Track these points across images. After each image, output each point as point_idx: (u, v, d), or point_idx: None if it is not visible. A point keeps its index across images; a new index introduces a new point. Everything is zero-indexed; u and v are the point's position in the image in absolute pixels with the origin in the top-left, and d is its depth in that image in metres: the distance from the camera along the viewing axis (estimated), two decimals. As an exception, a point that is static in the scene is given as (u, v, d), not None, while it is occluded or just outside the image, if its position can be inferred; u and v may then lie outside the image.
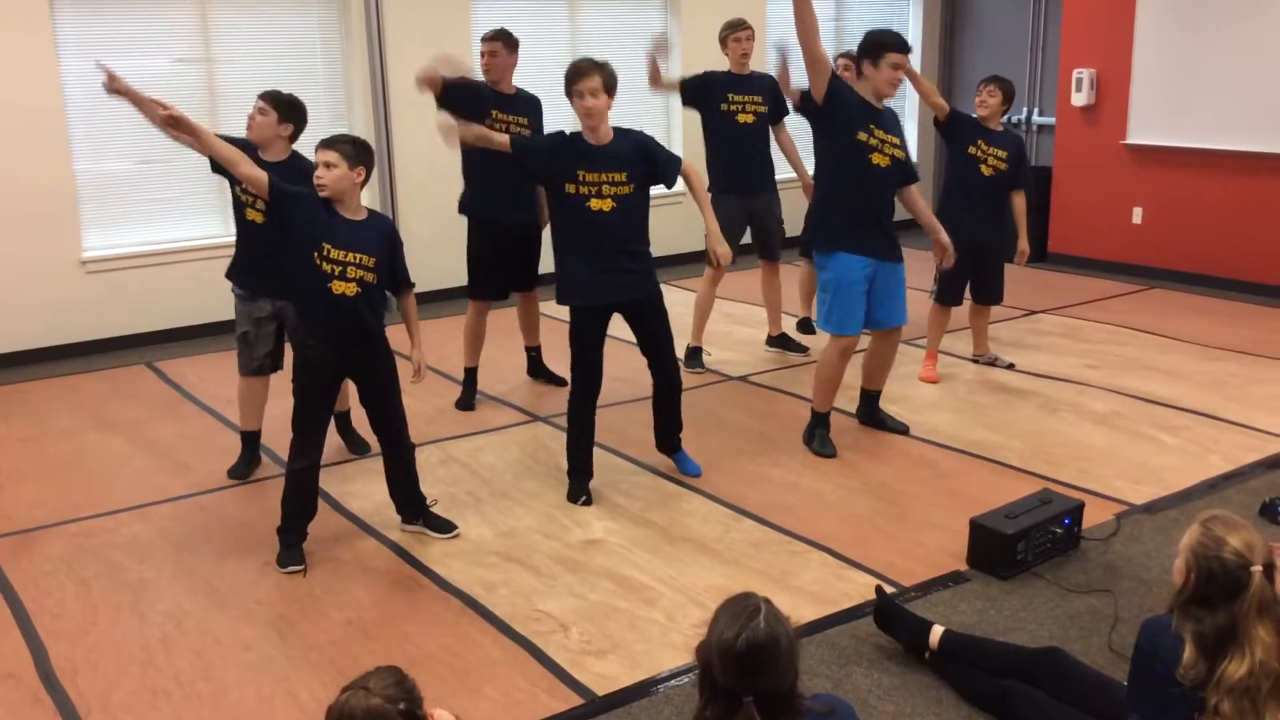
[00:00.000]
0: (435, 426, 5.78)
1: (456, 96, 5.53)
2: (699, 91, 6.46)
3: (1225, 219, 8.43)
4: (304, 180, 4.26)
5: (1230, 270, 8.43)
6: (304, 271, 4.14)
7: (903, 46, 5.05)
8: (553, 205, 4.78)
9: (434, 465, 5.21)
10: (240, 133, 4.85)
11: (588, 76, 4.54)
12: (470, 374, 6.19)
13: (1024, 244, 6.49)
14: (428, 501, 4.63)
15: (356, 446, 5.45)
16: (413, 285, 4.44)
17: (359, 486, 5.03)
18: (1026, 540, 4.12)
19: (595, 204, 4.60)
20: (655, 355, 4.92)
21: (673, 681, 3.51)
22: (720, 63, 6.51)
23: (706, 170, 6.48)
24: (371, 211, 4.34)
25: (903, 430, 5.59)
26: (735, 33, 6.46)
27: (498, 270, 6.03)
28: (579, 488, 4.88)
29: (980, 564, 4.18)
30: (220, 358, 7.12)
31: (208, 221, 7.80)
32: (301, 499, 4.33)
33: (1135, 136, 8.85)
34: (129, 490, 5.11)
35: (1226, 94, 8.23)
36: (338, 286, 4.13)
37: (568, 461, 4.95)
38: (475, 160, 5.77)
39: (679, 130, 9.44)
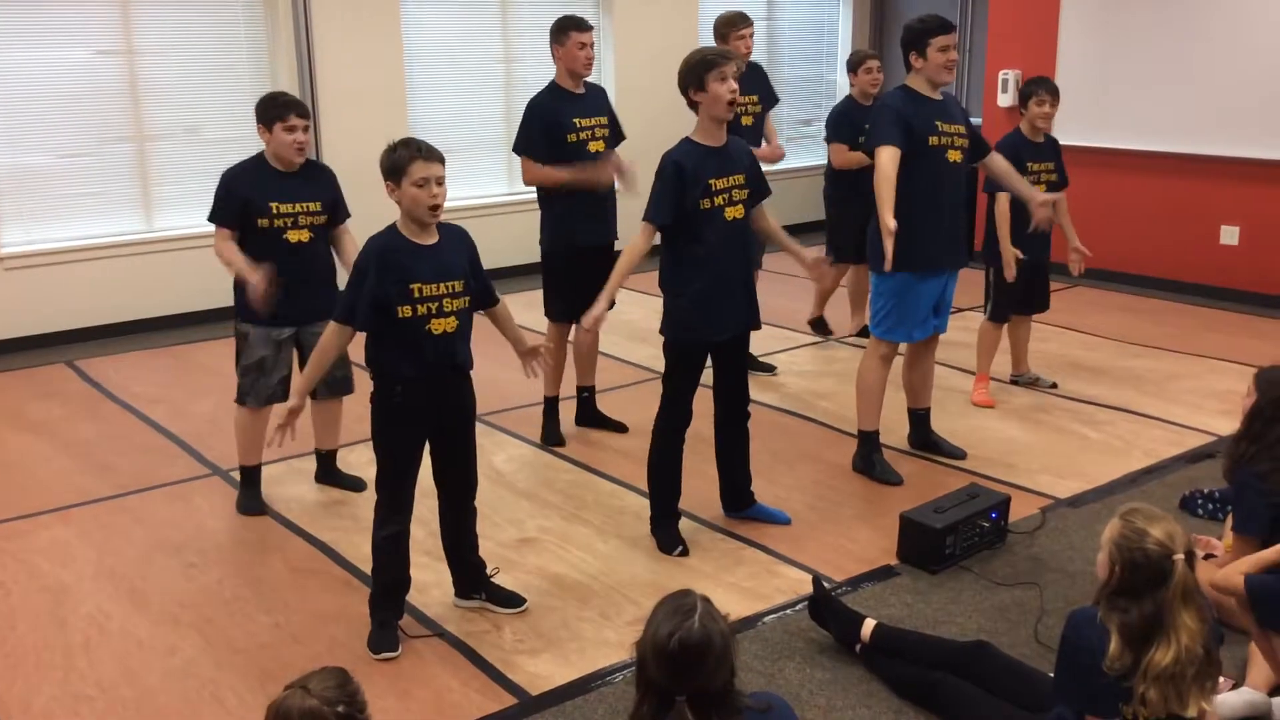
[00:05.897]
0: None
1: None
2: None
3: (1147, 219, 8.62)
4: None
5: (1151, 269, 8.61)
6: (392, 324, 3.47)
7: (944, 27, 4.66)
8: (688, 231, 4.14)
9: (363, 465, 5.13)
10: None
11: None
12: (551, 404, 5.53)
13: (1077, 244, 6.00)
14: (488, 570, 4.01)
15: (349, 483, 4.99)
16: (499, 298, 3.84)
17: (289, 490, 4.96)
18: (955, 534, 4.18)
19: (730, 212, 4.17)
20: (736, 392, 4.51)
21: (607, 679, 3.51)
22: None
23: None
24: (441, 225, 3.59)
25: (960, 455, 5.22)
26: (738, 29, 5.85)
27: (576, 290, 5.10)
28: (674, 533, 4.41)
29: (910, 558, 4.23)
30: (142, 356, 6.99)
31: (130, 218, 7.62)
32: (396, 573, 3.74)
33: (1058, 137, 8.94)
34: (49, 492, 4.99)
35: (1148, 96, 8.40)
36: (438, 326, 3.52)
37: (660, 508, 4.44)
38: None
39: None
